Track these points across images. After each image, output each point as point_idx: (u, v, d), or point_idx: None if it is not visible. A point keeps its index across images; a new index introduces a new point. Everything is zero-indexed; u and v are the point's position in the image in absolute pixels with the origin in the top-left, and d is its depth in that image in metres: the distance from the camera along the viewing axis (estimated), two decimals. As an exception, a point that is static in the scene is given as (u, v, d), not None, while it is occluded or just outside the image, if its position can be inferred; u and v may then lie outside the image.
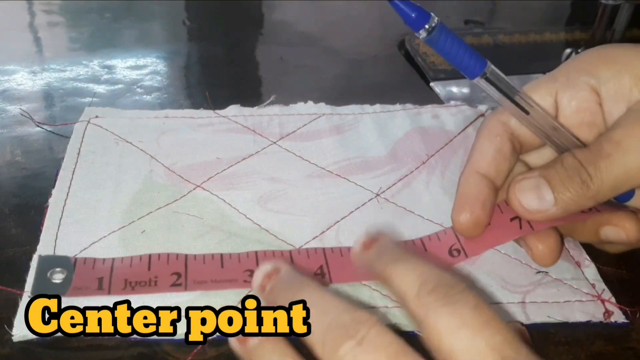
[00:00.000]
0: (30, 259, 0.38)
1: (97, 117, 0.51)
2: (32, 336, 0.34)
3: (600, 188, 0.34)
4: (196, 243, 0.40)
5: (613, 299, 0.38)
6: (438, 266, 0.28)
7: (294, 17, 0.75)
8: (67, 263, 0.38)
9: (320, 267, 0.38)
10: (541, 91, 0.37)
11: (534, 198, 0.35)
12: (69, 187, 0.44)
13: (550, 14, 0.78)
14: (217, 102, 0.54)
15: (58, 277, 0.37)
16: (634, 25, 0.59)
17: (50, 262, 0.38)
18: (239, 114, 0.53)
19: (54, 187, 0.44)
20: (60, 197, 0.43)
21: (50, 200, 0.43)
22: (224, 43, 0.69)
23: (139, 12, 0.75)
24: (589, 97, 0.37)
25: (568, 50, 0.59)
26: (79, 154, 0.47)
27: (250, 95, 0.57)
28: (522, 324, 0.36)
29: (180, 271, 0.37)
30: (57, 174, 0.45)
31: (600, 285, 0.39)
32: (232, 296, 0.37)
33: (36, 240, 0.40)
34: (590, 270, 0.40)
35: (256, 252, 0.39)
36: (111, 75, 0.60)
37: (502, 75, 0.35)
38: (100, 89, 0.58)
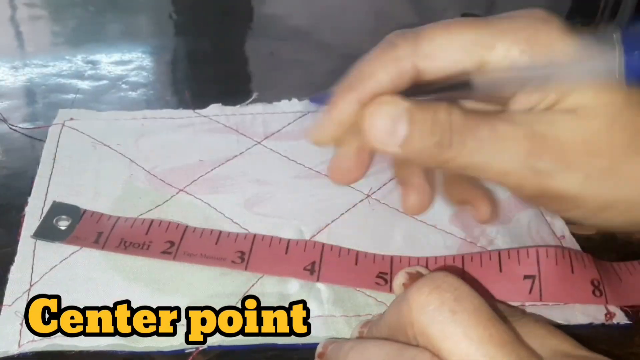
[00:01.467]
0: (11, 261, 0.37)
1: (71, 119, 0.50)
2: (13, 351, 0.33)
3: (450, 161, 0.30)
4: None
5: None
6: (392, 343, 0.27)
7: (284, 10, 0.74)
8: (75, 213, 0.40)
9: (312, 264, 0.38)
10: (474, 52, 0.30)
11: (386, 127, 0.30)
12: (46, 195, 0.42)
13: (551, 7, 0.74)
14: (205, 98, 0.53)
15: (63, 224, 0.39)
16: (638, 18, 0.58)
17: (60, 209, 0.41)
18: (221, 113, 0.51)
19: (29, 194, 0.42)
20: (38, 205, 0.41)
21: (27, 209, 0.41)
22: (212, 37, 0.68)
23: (124, 5, 0.74)
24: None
25: (568, 45, 0.58)
26: (54, 159, 0.45)
27: (239, 92, 0.56)
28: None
29: (175, 240, 0.39)
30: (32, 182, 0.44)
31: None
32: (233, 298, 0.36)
33: (16, 242, 0.39)
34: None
35: (254, 235, 0.39)
36: (95, 70, 0.59)
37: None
38: (84, 85, 0.57)
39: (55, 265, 0.37)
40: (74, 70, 0.59)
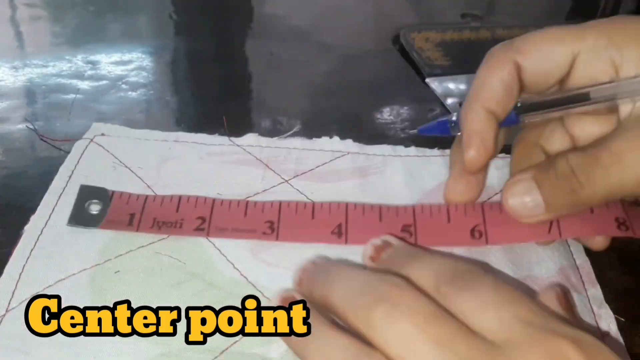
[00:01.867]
0: (7, 262, 0.37)
1: (102, 134, 0.48)
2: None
3: (591, 197, 0.34)
4: (171, 291, 0.36)
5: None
6: (451, 257, 0.31)
7: (284, 10, 0.74)
8: (104, 195, 0.41)
9: (339, 226, 0.39)
10: (566, 43, 0.36)
11: (525, 203, 0.36)
12: (50, 215, 0.41)
13: (551, 7, 0.77)
14: (205, 99, 0.53)
15: (95, 209, 0.40)
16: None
17: (89, 193, 0.41)
18: (255, 144, 0.48)
19: (36, 200, 0.41)
20: (38, 226, 0.40)
21: (26, 227, 0.40)
22: (212, 37, 0.68)
23: (124, 6, 0.74)
24: (607, 71, 0.35)
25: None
26: (70, 176, 0.44)
27: (240, 92, 0.56)
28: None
29: (205, 216, 0.40)
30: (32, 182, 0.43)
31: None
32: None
33: (16, 242, 0.38)
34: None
35: (280, 202, 0.40)
36: (95, 70, 0.59)
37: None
38: (84, 85, 0.56)
39: (37, 293, 0.36)
40: (74, 70, 0.59)
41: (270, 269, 0.38)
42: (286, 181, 0.45)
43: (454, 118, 0.39)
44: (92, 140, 0.47)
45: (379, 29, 0.69)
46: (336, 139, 0.49)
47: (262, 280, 0.37)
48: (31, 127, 0.49)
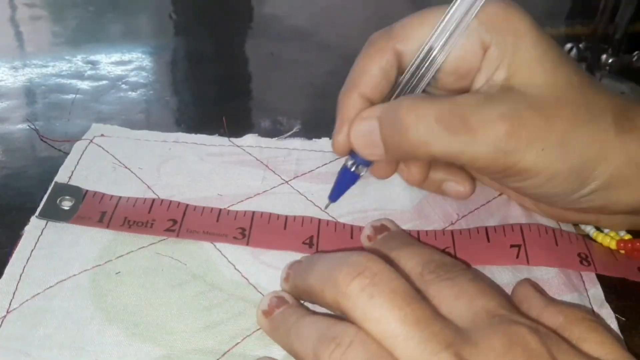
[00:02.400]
0: (7, 262, 0.37)
1: (102, 135, 0.48)
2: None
3: (424, 149, 0.34)
4: (172, 293, 0.36)
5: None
6: (439, 251, 0.33)
7: (284, 10, 0.74)
8: (78, 193, 0.41)
9: (310, 237, 0.39)
10: None
11: (366, 142, 0.36)
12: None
13: (551, 7, 0.77)
14: (205, 99, 0.53)
15: (66, 205, 0.40)
16: (637, 19, 0.58)
17: (63, 190, 0.42)
18: (255, 145, 0.48)
19: (36, 201, 0.41)
20: (38, 225, 0.40)
21: (27, 229, 0.40)
22: (212, 37, 0.68)
23: (124, 6, 0.74)
24: (476, 53, 0.35)
25: (569, 45, 0.58)
26: (70, 177, 0.44)
27: (240, 92, 0.56)
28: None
29: (177, 218, 0.40)
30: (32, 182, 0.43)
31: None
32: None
33: (16, 243, 0.38)
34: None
35: (253, 212, 0.41)
36: (95, 71, 0.59)
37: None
38: (84, 85, 0.56)
39: (38, 294, 0.36)
40: (74, 70, 0.59)
41: (271, 270, 0.38)
42: (286, 182, 0.45)
43: (350, 162, 0.38)
44: (91, 141, 0.47)
45: (379, 29, 0.68)
46: None
47: (263, 282, 0.37)
48: (32, 127, 0.49)
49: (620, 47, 0.56)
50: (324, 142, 0.48)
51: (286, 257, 0.38)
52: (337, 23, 0.71)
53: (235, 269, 0.38)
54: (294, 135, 0.49)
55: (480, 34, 0.34)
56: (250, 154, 0.47)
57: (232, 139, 0.48)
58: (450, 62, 0.35)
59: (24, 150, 0.48)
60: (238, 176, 0.45)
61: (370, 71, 0.36)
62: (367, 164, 0.37)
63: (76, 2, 0.74)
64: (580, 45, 0.57)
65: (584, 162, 0.34)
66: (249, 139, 0.48)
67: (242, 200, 0.43)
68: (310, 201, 0.43)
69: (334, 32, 0.68)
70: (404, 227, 0.40)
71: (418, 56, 0.35)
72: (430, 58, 0.35)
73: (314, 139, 0.49)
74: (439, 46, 0.34)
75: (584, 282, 0.38)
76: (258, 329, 0.34)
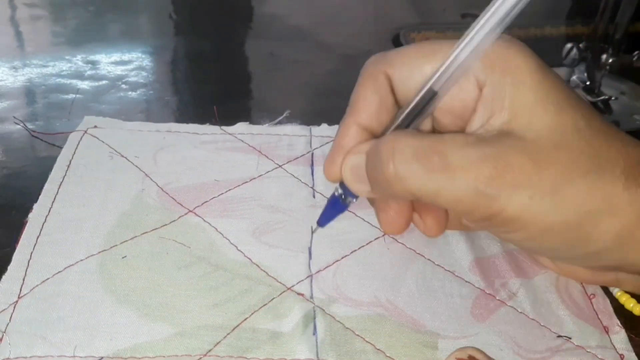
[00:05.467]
0: (9, 261, 0.37)
1: (95, 127, 0.49)
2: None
3: (402, 186, 0.31)
4: (179, 274, 0.37)
5: None
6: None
7: (284, 10, 0.74)
8: None
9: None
10: (436, 59, 0.33)
11: (354, 176, 0.33)
12: (52, 203, 0.41)
13: (551, 7, 0.77)
14: (205, 99, 0.53)
15: None
16: (637, 19, 0.58)
17: None
18: (247, 132, 0.49)
19: (36, 201, 0.41)
20: (41, 213, 0.40)
21: (30, 216, 0.40)
22: (211, 37, 0.68)
23: (124, 6, 0.74)
24: (471, 90, 0.32)
25: (569, 45, 0.58)
26: (68, 166, 0.44)
27: (240, 92, 0.56)
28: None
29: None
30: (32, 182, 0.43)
31: (630, 356, 0.34)
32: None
33: (16, 243, 0.38)
34: (620, 337, 0.35)
35: None
36: (95, 70, 0.59)
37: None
38: (84, 85, 0.56)
39: (47, 279, 0.36)
40: (74, 70, 0.59)
41: (273, 250, 0.39)
42: (280, 166, 0.46)
43: (339, 191, 0.36)
44: (85, 132, 0.48)
45: (379, 29, 0.69)
46: (324, 125, 0.50)
47: (266, 261, 0.39)
48: (18, 122, 0.50)
49: (620, 47, 0.56)
50: (313, 128, 0.50)
51: (286, 238, 0.40)
52: (337, 23, 0.71)
53: (238, 249, 0.39)
54: (284, 121, 0.51)
55: (475, 72, 0.32)
56: (242, 140, 0.48)
57: (224, 127, 0.49)
58: (444, 101, 0.33)
59: (23, 150, 0.48)
60: (233, 162, 0.46)
61: (366, 97, 0.34)
62: (355, 196, 0.35)
63: (76, 2, 0.74)
64: (580, 45, 0.57)
65: (582, 216, 0.30)
66: (240, 127, 0.50)
67: (239, 185, 0.44)
68: (305, 183, 0.45)
69: (334, 32, 0.68)
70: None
71: (418, 92, 0.33)
72: (423, 92, 0.32)
73: (302, 125, 0.51)
74: (433, 80, 0.32)
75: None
76: (265, 304, 0.35)
